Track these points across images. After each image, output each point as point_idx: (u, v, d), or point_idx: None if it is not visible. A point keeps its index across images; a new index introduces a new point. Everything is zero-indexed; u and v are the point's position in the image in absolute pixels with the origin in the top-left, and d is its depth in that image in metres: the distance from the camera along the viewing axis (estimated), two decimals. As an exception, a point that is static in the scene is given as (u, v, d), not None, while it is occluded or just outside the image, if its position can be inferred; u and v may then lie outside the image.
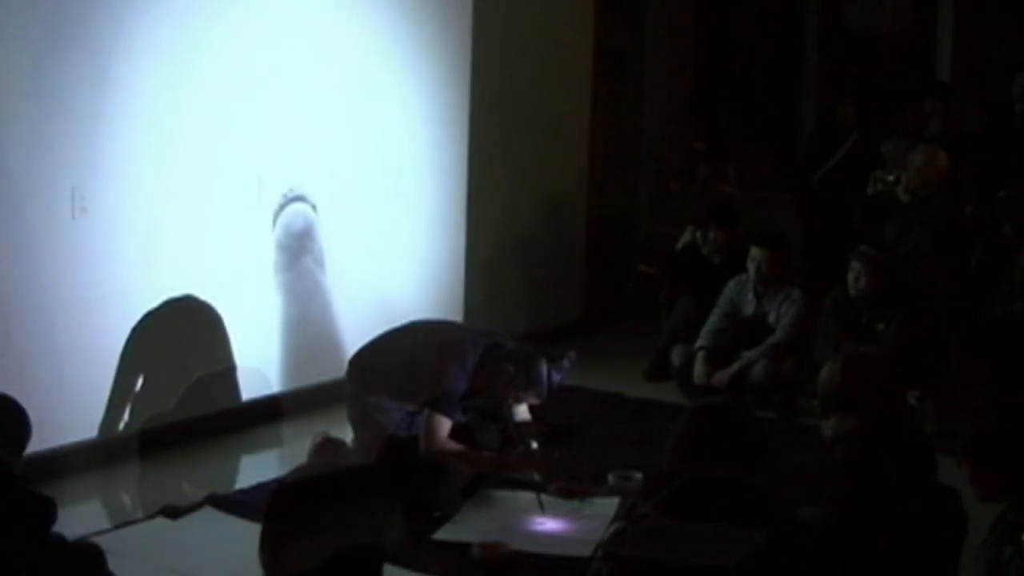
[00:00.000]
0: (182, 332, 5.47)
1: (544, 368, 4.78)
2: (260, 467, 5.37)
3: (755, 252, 6.41)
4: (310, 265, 6.04)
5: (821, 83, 9.61)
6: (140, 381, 5.30)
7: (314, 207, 6.02)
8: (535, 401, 4.88)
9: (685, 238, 7.12)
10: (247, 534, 2.43)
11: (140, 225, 5.21)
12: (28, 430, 3.35)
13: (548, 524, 4.56)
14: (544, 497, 4.64)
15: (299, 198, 5.94)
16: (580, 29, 7.92)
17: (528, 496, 4.63)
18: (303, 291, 6.01)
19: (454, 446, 4.80)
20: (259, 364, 5.81)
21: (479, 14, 6.87)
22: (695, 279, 6.86)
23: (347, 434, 5.16)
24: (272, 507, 2.19)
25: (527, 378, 4.75)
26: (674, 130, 9.84)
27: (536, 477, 4.78)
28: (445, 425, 4.77)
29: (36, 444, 3.53)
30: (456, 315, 6.78)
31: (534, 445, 4.96)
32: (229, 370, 5.69)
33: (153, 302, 5.29)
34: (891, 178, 7.07)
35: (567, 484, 4.82)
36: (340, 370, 5.37)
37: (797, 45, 9.72)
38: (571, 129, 7.92)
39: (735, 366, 6.33)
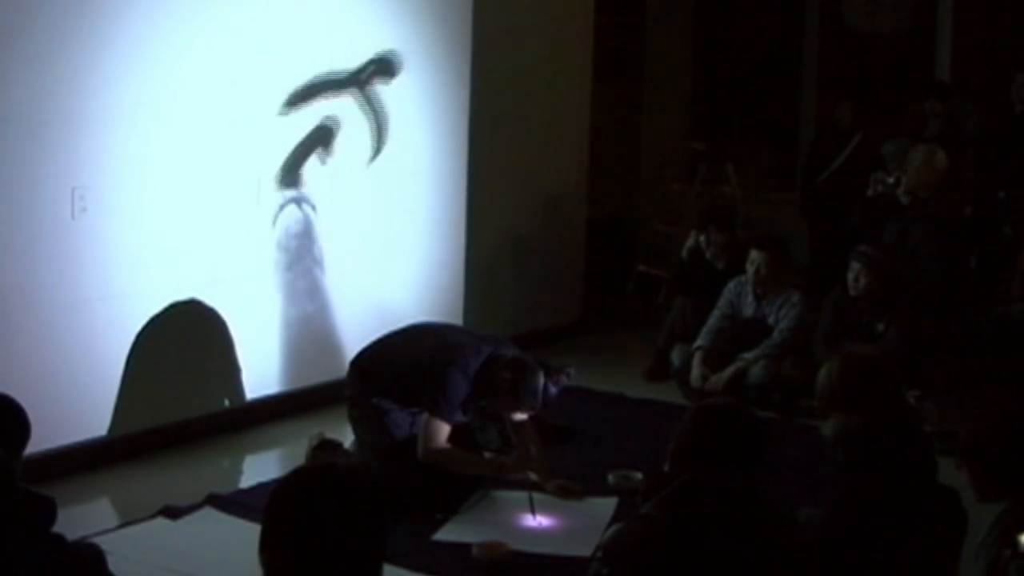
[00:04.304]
0: (186, 336, 5.48)
1: (540, 382, 4.75)
2: (260, 467, 5.37)
3: (754, 255, 6.41)
4: (309, 265, 6.05)
5: (821, 83, 9.62)
6: (145, 382, 5.30)
7: (313, 207, 6.03)
8: (529, 412, 4.87)
9: (690, 243, 7.12)
10: (247, 534, 2.43)
11: (140, 225, 5.21)
12: (28, 430, 3.34)
13: (548, 524, 4.56)
14: (539, 497, 4.64)
15: (299, 198, 5.95)
16: (580, 29, 7.92)
17: (526, 496, 4.64)
18: (302, 291, 6.02)
19: (451, 450, 4.80)
20: (259, 364, 5.82)
21: (479, 14, 6.87)
22: (700, 283, 6.86)
23: (346, 435, 5.16)
24: (271, 507, 2.19)
25: (522, 390, 4.73)
26: (674, 130, 9.86)
27: (533, 477, 4.78)
28: (444, 430, 4.76)
29: (36, 444, 3.53)
30: (455, 315, 6.78)
31: (532, 448, 4.96)
32: (232, 374, 5.70)
33: (153, 302, 5.30)
34: (891, 180, 7.07)
35: (564, 483, 4.82)
36: (339, 371, 5.37)
37: (797, 46, 9.73)
38: (571, 129, 7.92)
39: (731, 369, 6.33)
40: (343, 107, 6.13)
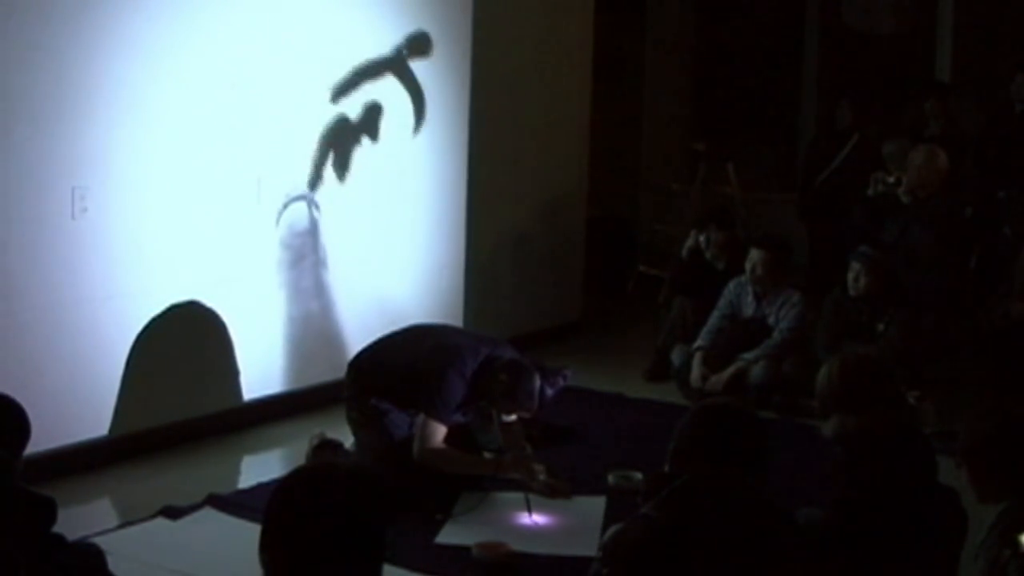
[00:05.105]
0: (187, 336, 5.47)
1: (536, 384, 4.76)
2: (260, 467, 5.37)
3: (753, 254, 6.41)
4: (310, 265, 6.04)
5: (821, 83, 9.63)
6: (146, 382, 5.30)
7: (317, 207, 6.03)
8: (524, 415, 4.88)
9: (689, 243, 7.11)
10: (247, 534, 2.43)
11: (141, 225, 5.21)
12: (28, 430, 3.34)
13: (546, 523, 4.56)
14: (533, 497, 4.64)
15: (302, 198, 5.95)
16: (580, 29, 7.92)
17: (523, 497, 4.64)
18: (302, 291, 6.02)
19: (447, 450, 4.80)
20: (260, 364, 5.81)
21: (479, 14, 6.87)
22: (700, 283, 6.86)
23: (346, 435, 5.16)
24: (271, 507, 2.19)
25: (518, 392, 4.74)
26: (674, 130, 9.86)
27: (516, 476, 4.78)
28: (440, 430, 4.77)
29: (37, 444, 3.53)
30: (455, 315, 6.78)
31: (528, 447, 4.96)
32: (232, 374, 5.70)
33: (153, 302, 5.30)
34: (891, 180, 7.07)
35: (551, 482, 4.82)
36: (340, 371, 5.37)
37: (797, 45, 9.73)
38: (571, 129, 7.92)
39: (731, 369, 6.33)
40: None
